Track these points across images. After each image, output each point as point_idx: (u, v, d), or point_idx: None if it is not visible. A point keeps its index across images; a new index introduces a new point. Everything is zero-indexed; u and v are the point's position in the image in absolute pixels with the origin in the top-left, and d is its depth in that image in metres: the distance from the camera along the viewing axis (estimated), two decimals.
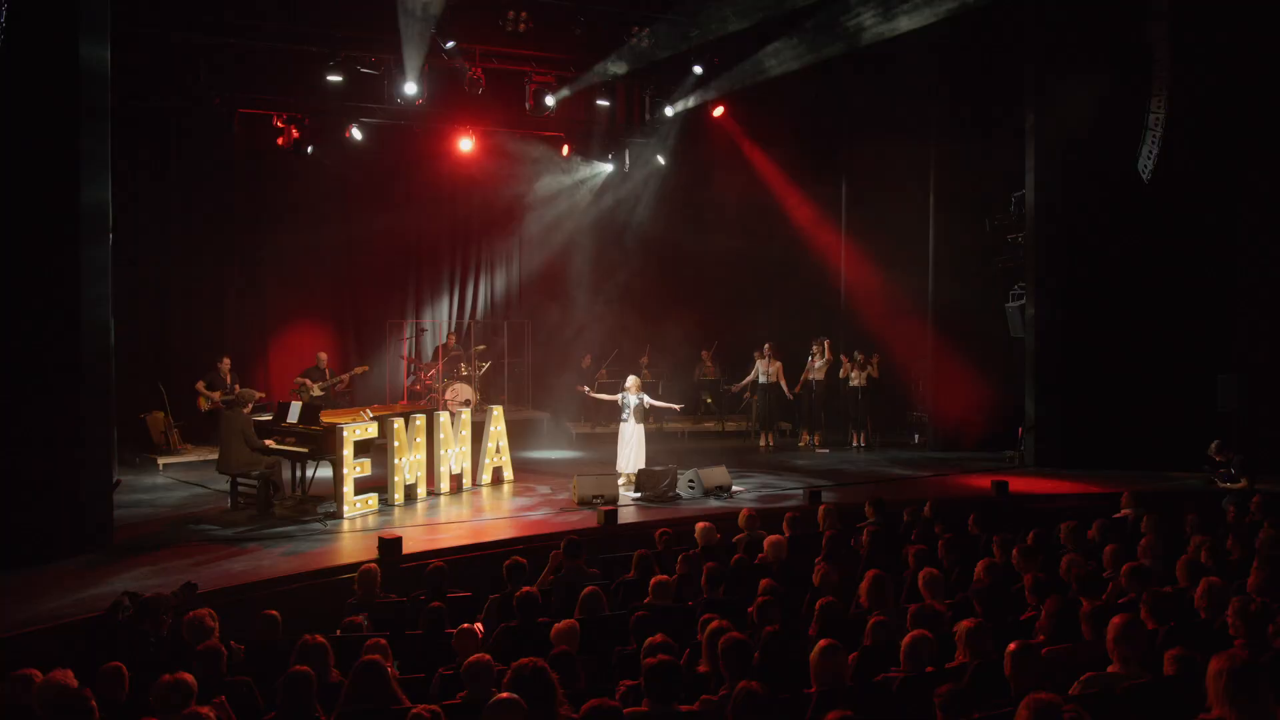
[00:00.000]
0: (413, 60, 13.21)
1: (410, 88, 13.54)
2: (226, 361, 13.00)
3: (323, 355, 13.91)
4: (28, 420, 8.06)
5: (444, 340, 15.89)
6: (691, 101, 15.28)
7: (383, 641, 5.23)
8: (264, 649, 5.60)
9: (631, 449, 11.43)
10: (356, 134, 14.48)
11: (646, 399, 11.58)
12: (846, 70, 14.88)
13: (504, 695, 3.73)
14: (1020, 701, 3.50)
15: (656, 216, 16.85)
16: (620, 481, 11.20)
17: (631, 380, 11.65)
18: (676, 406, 12.41)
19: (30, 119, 8.09)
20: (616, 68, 14.25)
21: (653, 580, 6.40)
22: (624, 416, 11.49)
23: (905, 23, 12.77)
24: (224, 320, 14.46)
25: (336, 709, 4.34)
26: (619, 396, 11.61)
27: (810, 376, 15.04)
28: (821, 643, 4.48)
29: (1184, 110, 12.41)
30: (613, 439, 11.85)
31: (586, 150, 16.06)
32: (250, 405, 10.19)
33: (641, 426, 11.52)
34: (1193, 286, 12.92)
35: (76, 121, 8.17)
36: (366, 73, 13.53)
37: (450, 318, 16.75)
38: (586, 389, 13.13)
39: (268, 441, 10.14)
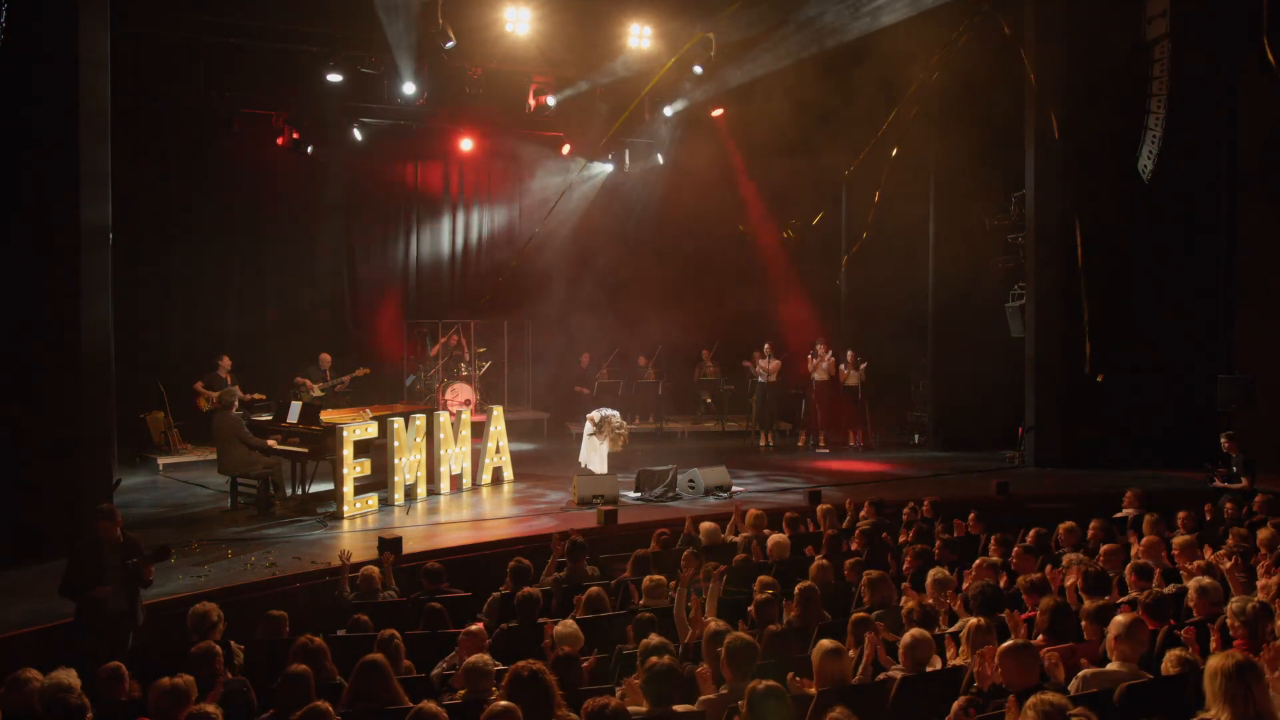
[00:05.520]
0: (412, 60, 13.21)
1: (409, 88, 13.55)
2: (226, 361, 12.97)
3: (324, 356, 13.90)
4: (28, 420, 8.06)
5: (444, 340, 15.88)
6: (691, 101, 15.27)
7: (397, 637, 5.24)
8: (269, 649, 5.60)
9: (602, 450, 11.79)
10: (357, 134, 14.49)
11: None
12: (846, 69, 14.87)
13: (501, 704, 3.71)
14: (1025, 702, 3.50)
15: (656, 216, 16.85)
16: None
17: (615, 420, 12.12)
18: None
19: (30, 120, 8.09)
20: (616, 67, 14.24)
21: (647, 580, 6.41)
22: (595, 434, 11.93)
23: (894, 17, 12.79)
24: (224, 320, 14.45)
25: (338, 708, 4.34)
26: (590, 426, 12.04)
27: (812, 376, 15.03)
28: (823, 643, 4.49)
29: (1184, 110, 12.41)
30: None
31: (586, 150, 16.06)
32: (235, 404, 10.18)
33: None
34: (1193, 286, 12.92)
35: (76, 122, 8.17)
36: (366, 73, 13.53)
37: (451, 317, 16.74)
38: (585, 391, 13.24)
39: (269, 441, 10.14)
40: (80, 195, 8.17)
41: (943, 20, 12.74)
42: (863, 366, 14.80)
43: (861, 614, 5.35)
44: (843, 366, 14.95)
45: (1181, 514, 7.96)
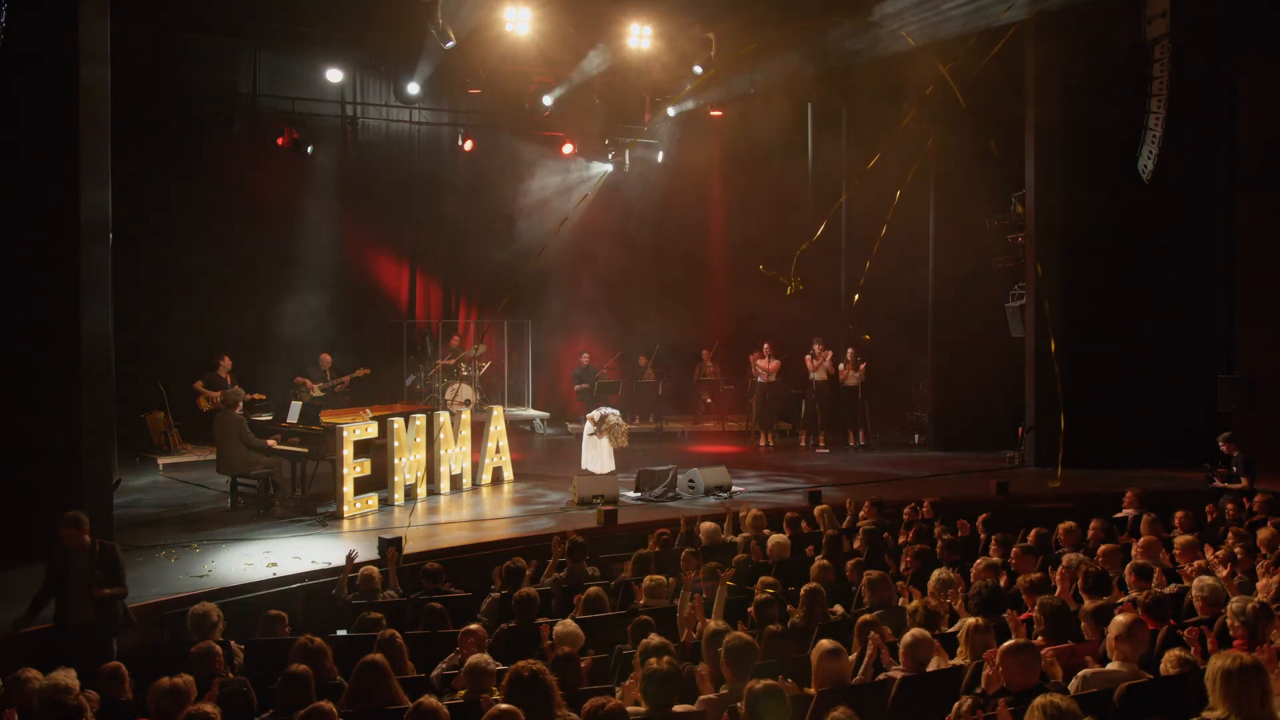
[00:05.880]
0: (413, 60, 13.22)
1: (414, 88, 13.55)
2: (227, 361, 12.99)
3: (324, 356, 13.91)
4: (28, 420, 8.05)
5: (444, 340, 15.89)
6: (691, 102, 15.27)
7: (398, 637, 5.23)
8: (269, 649, 5.60)
9: (604, 449, 11.71)
10: (357, 134, 14.49)
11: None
12: (846, 70, 14.89)
13: (503, 707, 3.71)
14: (1031, 704, 3.50)
15: (656, 216, 16.86)
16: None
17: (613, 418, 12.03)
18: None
19: (29, 119, 8.09)
20: (617, 67, 14.24)
21: (648, 580, 6.41)
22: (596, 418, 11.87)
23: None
24: (224, 320, 14.44)
25: (339, 708, 4.34)
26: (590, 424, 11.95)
27: (811, 376, 15.02)
28: (823, 643, 4.49)
29: (1184, 110, 12.40)
30: None
31: (586, 150, 16.07)
32: (240, 404, 10.17)
33: None
34: (1193, 286, 12.91)
35: (75, 121, 8.16)
36: (367, 73, 13.54)
37: (450, 317, 16.74)
38: (584, 385, 13.27)
39: (269, 441, 10.14)
40: (80, 194, 8.14)
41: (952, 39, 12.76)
42: (862, 366, 14.79)
43: (868, 616, 5.34)
44: (842, 366, 14.93)
45: (1179, 514, 7.96)
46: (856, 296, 14.10)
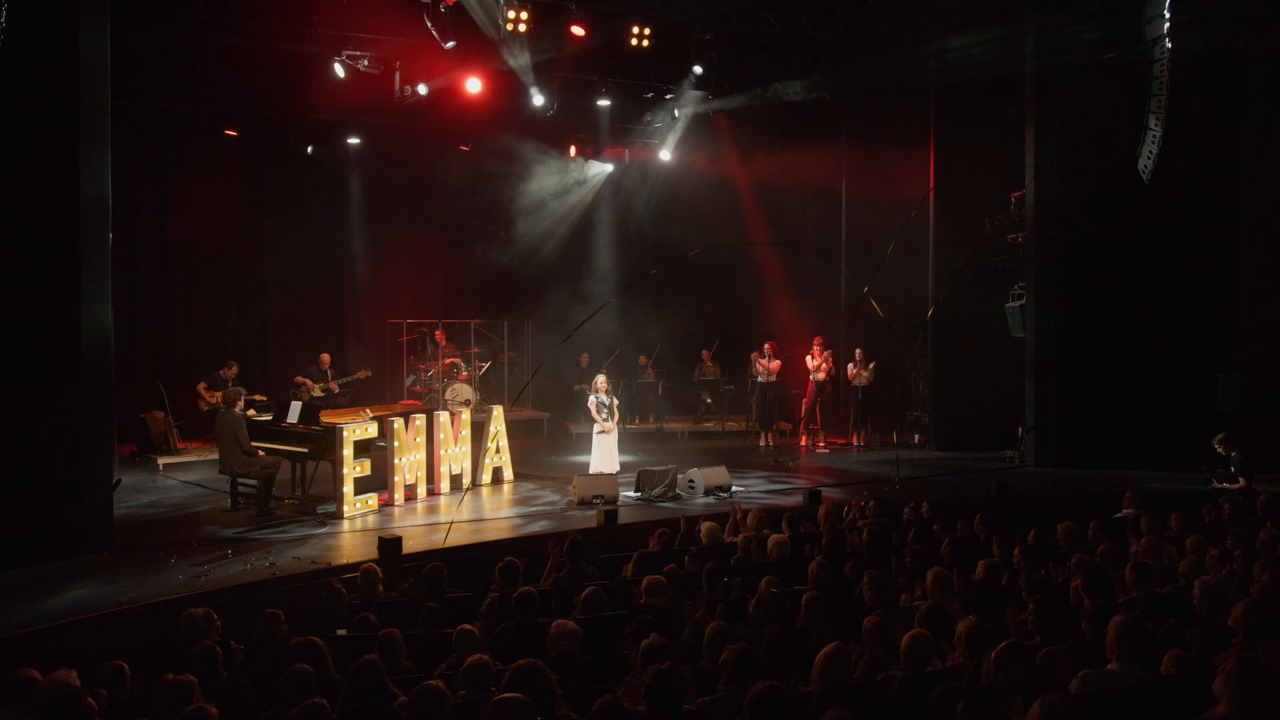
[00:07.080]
0: (414, 59, 13.21)
1: (420, 89, 13.54)
2: (233, 367, 13.00)
3: (324, 356, 13.92)
4: (28, 420, 8.05)
5: (444, 340, 15.89)
6: (691, 101, 15.26)
7: (397, 636, 5.23)
8: (265, 648, 5.60)
9: (613, 450, 11.61)
10: (357, 134, 14.48)
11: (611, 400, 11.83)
12: (847, 70, 14.89)
13: (508, 695, 3.72)
14: (1032, 703, 3.50)
15: (656, 216, 16.86)
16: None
17: (601, 380, 11.82)
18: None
19: (30, 118, 8.08)
20: (617, 66, 14.23)
21: (648, 580, 6.40)
22: (605, 416, 11.62)
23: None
24: (225, 320, 14.46)
25: (335, 708, 4.34)
26: (593, 399, 11.69)
27: (812, 376, 15.02)
28: (828, 647, 4.47)
29: (1184, 109, 12.41)
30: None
31: (586, 150, 16.06)
32: (239, 403, 10.16)
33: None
34: (1192, 286, 12.93)
35: (76, 120, 8.16)
36: (367, 73, 13.52)
37: (450, 317, 16.74)
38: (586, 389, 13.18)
39: (268, 444, 10.13)
40: (80, 193, 8.15)
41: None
42: (871, 366, 14.79)
43: (875, 618, 5.32)
44: (850, 366, 14.95)
45: (1175, 515, 7.97)
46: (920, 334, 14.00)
